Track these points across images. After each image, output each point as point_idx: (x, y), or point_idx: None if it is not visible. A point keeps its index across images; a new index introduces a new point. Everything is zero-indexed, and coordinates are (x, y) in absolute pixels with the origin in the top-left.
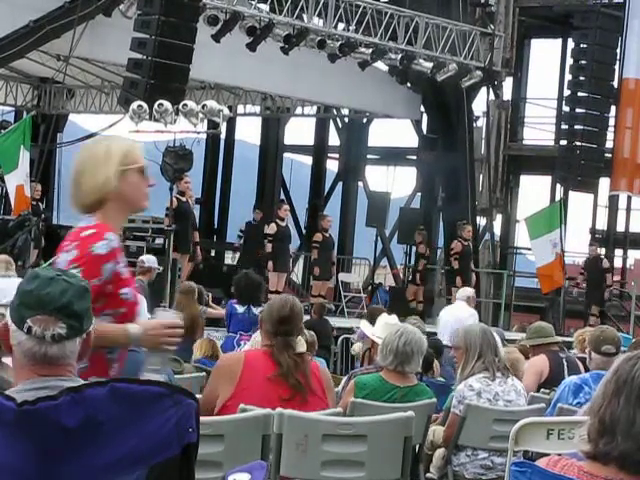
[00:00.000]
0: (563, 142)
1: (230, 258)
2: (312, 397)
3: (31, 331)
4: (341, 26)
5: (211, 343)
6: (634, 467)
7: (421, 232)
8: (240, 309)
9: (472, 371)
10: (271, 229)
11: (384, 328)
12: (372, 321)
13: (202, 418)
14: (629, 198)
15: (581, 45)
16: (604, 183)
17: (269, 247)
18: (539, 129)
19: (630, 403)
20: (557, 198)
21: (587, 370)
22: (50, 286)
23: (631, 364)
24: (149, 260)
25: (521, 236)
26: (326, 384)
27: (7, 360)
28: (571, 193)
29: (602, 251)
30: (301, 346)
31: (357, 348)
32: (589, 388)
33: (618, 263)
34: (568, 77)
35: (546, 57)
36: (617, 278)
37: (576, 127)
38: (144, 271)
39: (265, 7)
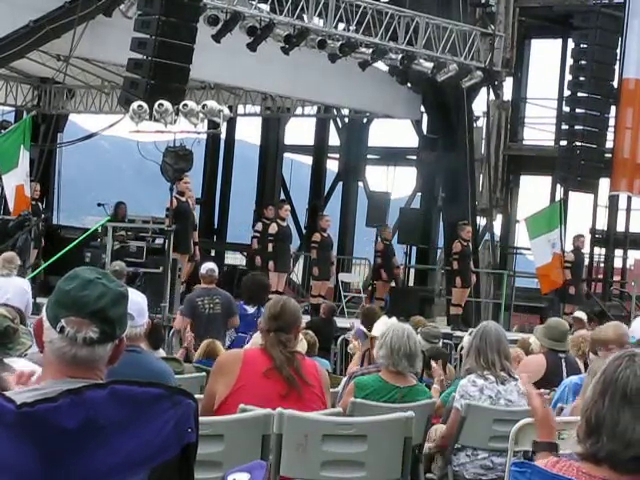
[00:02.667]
0: (563, 142)
1: (239, 259)
2: (308, 394)
3: (64, 331)
4: (341, 26)
5: (213, 344)
6: (624, 466)
7: (465, 225)
8: (250, 310)
9: (469, 369)
10: (272, 229)
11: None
12: (367, 321)
13: (202, 418)
14: (629, 198)
15: (581, 45)
16: (604, 183)
17: (270, 247)
18: (539, 129)
19: (614, 403)
20: (557, 198)
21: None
22: (88, 289)
23: (616, 364)
24: (215, 269)
25: (521, 236)
26: (324, 383)
27: (7, 360)
28: (571, 193)
29: (602, 251)
30: (301, 347)
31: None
32: None
33: (618, 263)
34: (568, 77)
35: (546, 57)
36: (617, 278)
37: (576, 127)
38: (212, 280)
39: (265, 7)
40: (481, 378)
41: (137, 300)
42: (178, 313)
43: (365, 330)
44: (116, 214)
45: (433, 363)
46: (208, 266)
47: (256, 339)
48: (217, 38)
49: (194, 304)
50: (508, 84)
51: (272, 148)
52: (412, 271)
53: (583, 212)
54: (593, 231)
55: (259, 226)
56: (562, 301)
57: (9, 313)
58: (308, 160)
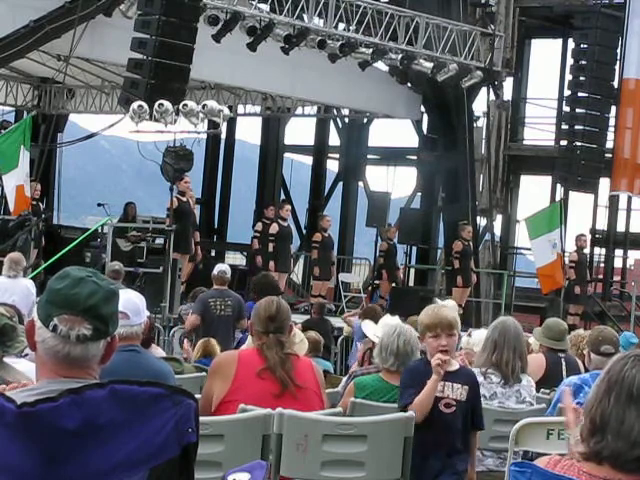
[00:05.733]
0: (563, 142)
1: (239, 259)
2: (302, 394)
3: (56, 330)
4: (341, 26)
5: (209, 343)
6: (627, 466)
7: (466, 225)
8: None
9: (480, 363)
10: (273, 229)
11: (383, 329)
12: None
13: (202, 418)
14: (629, 198)
15: (581, 45)
16: (604, 183)
17: (270, 247)
18: (539, 129)
19: (620, 402)
20: (557, 198)
21: (587, 371)
22: (79, 287)
23: (622, 364)
24: (228, 270)
25: (521, 236)
26: (320, 383)
27: (8, 360)
28: (571, 193)
29: (602, 251)
30: (302, 348)
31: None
32: (589, 388)
33: (618, 263)
34: (568, 77)
35: (546, 57)
36: (617, 278)
37: (576, 127)
38: (224, 281)
39: (265, 7)
40: (481, 376)
41: (133, 299)
42: (190, 313)
43: (366, 331)
44: (126, 214)
45: None
46: (220, 267)
47: (251, 340)
48: (217, 38)
49: (206, 304)
50: (508, 84)
51: (272, 148)
52: (412, 271)
53: (583, 212)
54: (593, 231)
55: (259, 226)
56: (567, 301)
57: (7, 312)
58: (308, 160)
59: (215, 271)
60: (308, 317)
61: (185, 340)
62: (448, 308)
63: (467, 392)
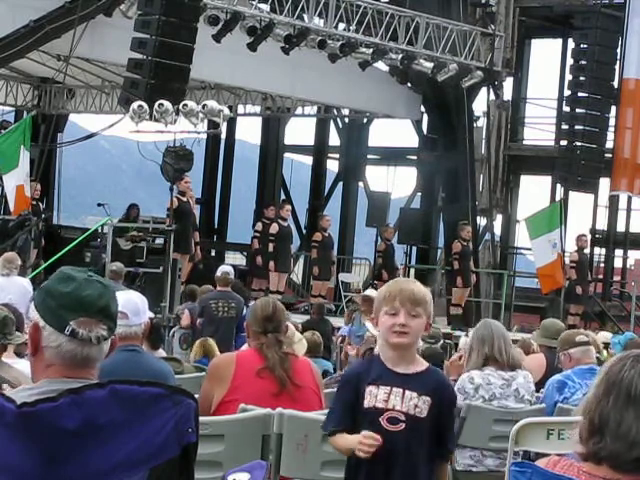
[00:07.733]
0: (563, 142)
1: (239, 259)
2: (300, 394)
3: (75, 334)
4: (342, 26)
5: (207, 343)
6: (626, 466)
7: (465, 225)
8: None
9: (473, 365)
10: (273, 229)
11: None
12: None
13: (202, 418)
14: (629, 198)
15: (581, 45)
16: (604, 183)
17: (270, 247)
18: (539, 129)
19: (618, 403)
20: (557, 198)
21: None
22: (89, 288)
23: (620, 365)
24: (231, 271)
25: (521, 236)
26: (319, 382)
27: (7, 360)
28: (571, 193)
29: (602, 251)
30: (301, 345)
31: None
32: (572, 382)
33: (618, 263)
34: (568, 77)
35: (546, 57)
36: (617, 278)
37: (576, 127)
38: (228, 282)
39: (266, 7)
40: (480, 377)
41: (133, 300)
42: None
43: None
44: (128, 215)
45: None
46: (223, 269)
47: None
48: (217, 38)
49: (206, 305)
50: (508, 84)
51: (272, 148)
52: (412, 271)
53: (583, 212)
54: (593, 231)
55: (259, 226)
56: (568, 301)
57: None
58: (308, 160)
59: (218, 272)
60: (308, 317)
61: None
62: (419, 284)
63: (429, 405)
